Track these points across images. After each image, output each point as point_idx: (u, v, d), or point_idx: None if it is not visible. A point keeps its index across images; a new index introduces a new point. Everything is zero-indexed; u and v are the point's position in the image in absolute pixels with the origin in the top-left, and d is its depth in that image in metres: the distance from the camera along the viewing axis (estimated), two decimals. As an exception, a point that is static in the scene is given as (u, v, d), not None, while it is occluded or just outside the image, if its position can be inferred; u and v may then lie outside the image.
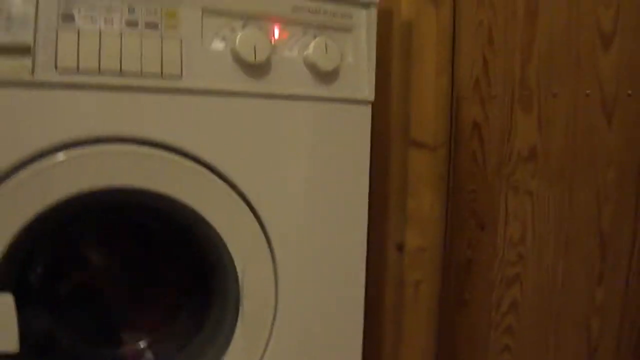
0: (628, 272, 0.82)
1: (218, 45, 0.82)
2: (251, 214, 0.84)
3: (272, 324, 0.87)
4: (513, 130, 0.95)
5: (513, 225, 0.96)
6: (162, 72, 0.77)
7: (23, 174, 0.71)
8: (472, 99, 1.01)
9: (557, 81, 0.89)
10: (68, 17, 0.73)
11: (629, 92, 0.81)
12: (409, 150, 1.02)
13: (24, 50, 0.71)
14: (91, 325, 0.93)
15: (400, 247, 1.04)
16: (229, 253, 0.83)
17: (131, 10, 0.77)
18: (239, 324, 0.84)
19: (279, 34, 0.86)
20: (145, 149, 0.77)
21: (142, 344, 0.95)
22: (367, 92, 0.91)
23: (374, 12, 0.92)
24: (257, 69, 0.83)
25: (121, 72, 0.75)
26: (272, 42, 0.84)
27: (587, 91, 0.86)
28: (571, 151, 0.88)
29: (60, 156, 0.73)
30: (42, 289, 0.90)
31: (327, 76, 0.88)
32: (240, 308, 0.84)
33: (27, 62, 0.71)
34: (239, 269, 0.83)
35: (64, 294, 0.92)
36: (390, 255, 1.06)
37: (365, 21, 0.92)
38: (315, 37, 0.87)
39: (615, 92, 0.83)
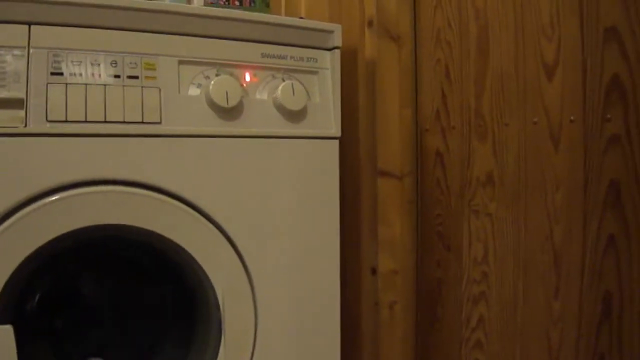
0: (581, 285, 0.88)
1: (194, 92, 0.89)
2: (229, 246, 0.90)
3: (253, 348, 0.93)
4: (471, 158, 1.02)
5: (476, 245, 1.02)
6: (142, 119, 0.84)
7: (18, 216, 0.77)
8: (434, 130, 1.09)
9: (507, 111, 0.97)
10: (57, 72, 0.80)
11: (572, 118, 0.88)
12: (378, 180, 1.09)
13: (17, 104, 0.78)
14: (82, 354, 0.99)
15: (374, 271, 1.10)
16: (210, 283, 0.90)
17: (114, 64, 0.84)
18: (221, 349, 0.90)
19: (250, 79, 0.93)
20: (130, 189, 0.84)
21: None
22: (334, 129, 0.99)
23: (337, 54, 1.00)
24: (230, 112, 0.90)
25: (106, 120, 0.82)
26: (244, 87, 0.92)
27: (535, 119, 0.93)
28: (523, 175, 0.95)
29: (52, 199, 0.79)
30: (38, 320, 0.96)
31: (295, 116, 0.95)
32: (222, 333, 0.90)
33: (20, 114, 0.78)
34: (220, 297, 0.90)
35: (57, 324, 0.98)
36: (365, 278, 1.13)
37: (329, 63, 0.99)
38: (283, 80, 0.95)
39: (560, 118, 0.90)
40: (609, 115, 0.85)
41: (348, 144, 1.10)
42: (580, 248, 0.88)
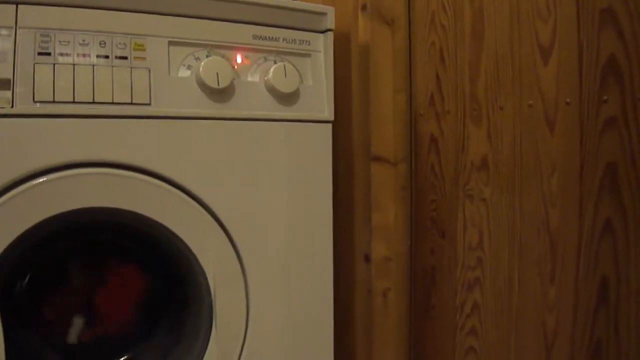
0: (577, 271, 0.87)
1: (184, 73, 0.88)
2: (220, 230, 0.89)
3: (245, 334, 0.92)
4: (466, 142, 1.01)
5: (471, 231, 1.01)
6: (132, 100, 0.83)
7: (4, 199, 0.76)
8: (428, 115, 1.08)
9: (502, 94, 0.95)
10: (44, 53, 0.79)
11: (567, 100, 0.87)
12: (371, 166, 1.08)
13: (3, 84, 0.77)
14: (73, 341, 0.98)
15: (367, 258, 1.09)
16: (201, 268, 0.89)
17: (102, 44, 0.83)
18: (212, 334, 0.89)
19: (241, 61, 0.92)
20: (118, 172, 0.83)
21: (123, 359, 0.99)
22: (327, 112, 0.98)
23: (330, 37, 0.98)
24: (220, 94, 0.89)
25: (94, 101, 0.81)
26: (235, 68, 0.91)
27: (530, 102, 0.92)
28: (519, 159, 0.93)
29: (40, 180, 0.78)
30: (25, 306, 0.94)
31: (287, 98, 0.94)
32: (214, 318, 0.89)
33: (6, 94, 0.77)
34: (211, 282, 0.88)
35: (46, 310, 0.97)
36: (358, 265, 1.12)
37: (322, 46, 0.98)
38: (275, 62, 0.94)
39: (555, 101, 0.89)
40: (605, 97, 0.84)
41: (341, 129, 1.09)
42: (577, 232, 0.87)
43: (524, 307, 0.94)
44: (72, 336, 0.97)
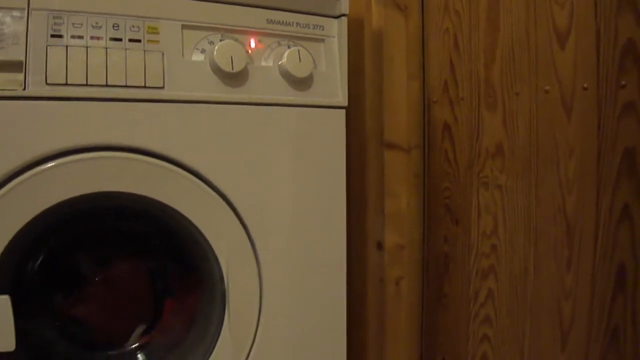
0: (594, 257, 0.86)
1: (197, 57, 0.87)
2: (234, 215, 0.88)
3: (258, 321, 0.91)
4: (481, 129, 1.00)
5: (485, 218, 1.00)
6: (145, 84, 0.83)
7: (17, 182, 0.75)
8: (442, 101, 1.07)
9: (518, 80, 0.94)
10: (57, 35, 0.78)
11: (585, 85, 0.86)
12: (384, 153, 1.07)
13: (15, 66, 0.76)
14: (83, 327, 0.97)
15: (380, 246, 1.08)
16: (214, 253, 0.88)
17: (115, 27, 0.82)
18: (225, 320, 0.88)
19: (255, 45, 0.91)
20: (131, 156, 0.82)
21: (134, 345, 0.99)
22: (341, 97, 0.97)
23: (344, 22, 0.97)
24: (234, 78, 0.88)
25: (107, 84, 0.80)
26: (249, 53, 0.90)
27: (547, 87, 0.91)
28: (535, 145, 0.92)
29: (52, 164, 0.77)
30: (37, 291, 0.94)
31: (301, 83, 0.93)
32: (227, 305, 0.88)
33: (18, 77, 0.76)
34: (223, 268, 0.88)
35: (57, 295, 0.96)
36: (370, 253, 1.11)
37: (336, 31, 0.97)
38: (289, 47, 0.93)
39: (573, 86, 0.88)
40: (623, 82, 0.83)
41: (354, 115, 1.08)
42: (594, 218, 0.86)
43: (539, 295, 0.93)
44: (132, 340, 0.98)
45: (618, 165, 0.84)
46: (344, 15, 0.97)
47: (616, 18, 0.83)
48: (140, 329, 0.99)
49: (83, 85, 0.79)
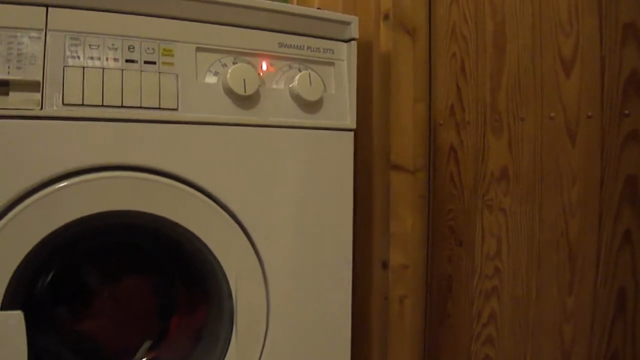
0: (595, 281, 0.88)
1: (211, 79, 0.88)
2: (243, 235, 0.90)
3: (265, 338, 0.93)
4: (486, 153, 1.02)
5: (489, 241, 1.02)
6: (160, 105, 0.84)
7: (33, 199, 0.76)
8: (448, 124, 1.09)
9: (524, 106, 0.96)
10: (74, 56, 0.80)
11: (589, 113, 0.88)
12: (390, 174, 1.09)
13: (33, 86, 0.77)
14: (92, 343, 0.98)
15: (384, 265, 1.10)
16: (223, 271, 0.89)
17: (131, 48, 0.83)
18: (233, 338, 0.90)
19: (267, 68, 0.93)
20: (145, 176, 0.83)
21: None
22: (349, 120, 0.98)
23: (354, 46, 0.99)
24: (246, 101, 0.90)
25: (122, 105, 0.82)
26: (261, 76, 0.92)
27: (552, 114, 0.93)
28: (539, 170, 0.94)
29: (67, 182, 0.79)
30: (47, 306, 0.95)
31: (311, 106, 0.95)
32: (234, 323, 0.89)
33: (36, 96, 0.78)
34: (232, 286, 0.89)
35: (67, 311, 0.97)
36: (375, 272, 1.13)
37: (346, 55, 0.99)
38: (300, 70, 0.94)
39: (577, 114, 0.90)
40: (627, 111, 0.85)
41: (361, 136, 1.09)
42: (596, 244, 0.88)
43: (541, 317, 0.95)
44: (139, 356, 0.99)
45: (620, 192, 0.86)
46: (353, 39, 0.99)
47: (621, 49, 0.85)
48: (147, 345, 1.00)
49: (99, 106, 0.80)
